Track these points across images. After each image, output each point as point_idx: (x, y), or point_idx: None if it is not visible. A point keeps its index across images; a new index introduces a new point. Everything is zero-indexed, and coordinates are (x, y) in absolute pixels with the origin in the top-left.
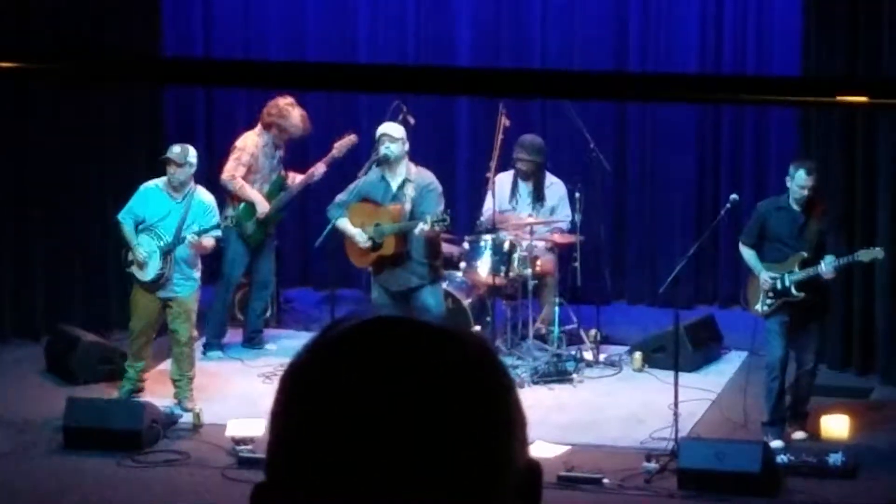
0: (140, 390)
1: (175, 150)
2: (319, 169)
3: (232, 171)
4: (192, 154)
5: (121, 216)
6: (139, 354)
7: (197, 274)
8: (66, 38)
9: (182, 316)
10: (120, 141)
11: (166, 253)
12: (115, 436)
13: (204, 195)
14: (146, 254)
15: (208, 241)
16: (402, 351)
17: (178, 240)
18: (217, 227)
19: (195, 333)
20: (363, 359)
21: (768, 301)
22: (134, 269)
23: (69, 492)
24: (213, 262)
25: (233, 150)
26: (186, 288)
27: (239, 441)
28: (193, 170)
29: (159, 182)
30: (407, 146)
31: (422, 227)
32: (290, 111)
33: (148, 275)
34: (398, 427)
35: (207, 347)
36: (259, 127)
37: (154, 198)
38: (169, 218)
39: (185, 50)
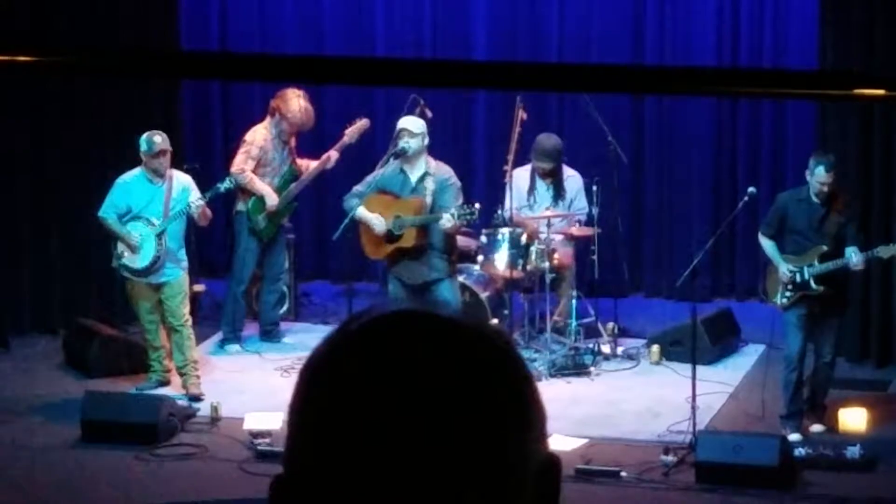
0: (167, 382)
1: (158, 139)
2: (332, 156)
3: (241, 165)
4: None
5: (102, 212)
6: (154, 343)
7: (184, 254)
8: (82, 33)
9: (176, 297)
10: (136, 136)
11: (159, 235)
12: (132, 429)
13: (182, 176)
14: (140, 237)
15: (208, 210)
16: (420, 345)
17: (170, 219)
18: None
19: (189, 318)
20: (381, 353)
21: (787, 294)
22: (126, 260)
23: (87, 485)
24: (225, 256)
25: (242, 143)
26: (177, 270)
27: (257, 435)
28: None
29: (138, 172)
30: (427, 141)
31: (447, 221)
32: (292, 98)
33: (144, 259)
34: (415, 422)
35: (225, 341)
36: (267, 119)
37: (136, 187)
38: (153, 203)
39: (201, 45)
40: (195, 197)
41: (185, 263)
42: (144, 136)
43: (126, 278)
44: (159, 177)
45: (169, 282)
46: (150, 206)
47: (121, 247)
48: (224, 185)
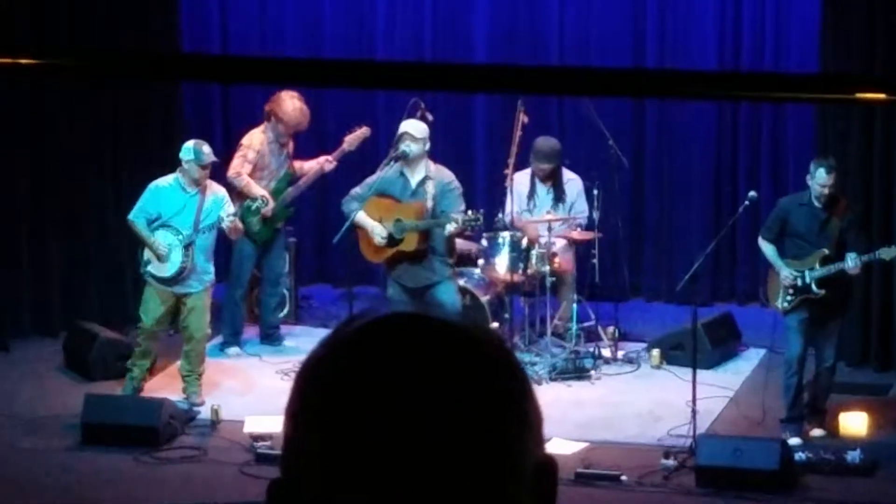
0: (140, 390)
1: (207, 150)
2: (329, 164)
3: (238, 169)
4: None
5: (132, 216)
6: (147, 352)
7: (211, 268)
8: (82, 35)
9: (197, 311)
10: (136, 138)
11: (187, 246)
12: (132, 432)
13: (217, 188)
14: (167, 247)
15: (239, 224)
16: (416, 348)
17: (199, 232)
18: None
19: (209, 330)
20: (378, 355)
21: (788, 297)
22: (152, 268)
23: (87, 488)
24: (224, 261)
25: (238, 147)
26: (202, 283)
27: (257, 437)
28: None
29: (172, 179)
30: (428, 145)
31: (451, 226)
32: (286, 100)
33: (170, 269)
34: (412, 424)
35: (225, 344)
36: (264, 124)
37: (168, 194)
38: (184, 212)
39: (202, 47)
40: (228, 211)
41: (211, 277)
42: (192, 144)
43: (149, 283)
44: (196, 185)
45: (191, 294)
46: (181, 215)
47: (147, 253)
48: (256, 204)
